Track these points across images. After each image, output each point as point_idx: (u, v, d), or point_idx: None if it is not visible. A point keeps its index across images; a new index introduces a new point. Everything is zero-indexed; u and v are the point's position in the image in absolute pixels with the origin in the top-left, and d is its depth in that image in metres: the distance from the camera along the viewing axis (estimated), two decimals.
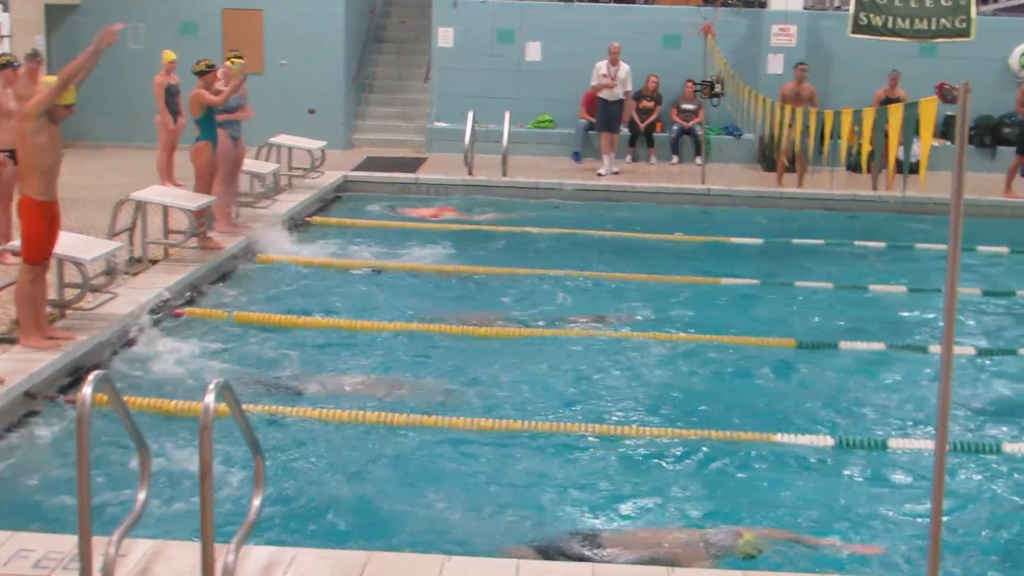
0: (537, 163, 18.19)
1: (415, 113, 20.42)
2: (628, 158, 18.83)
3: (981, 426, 8.23)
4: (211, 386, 4.85)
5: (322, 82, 19.43)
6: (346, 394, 8.34)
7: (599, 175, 17.45)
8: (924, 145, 6.51)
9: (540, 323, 10.33)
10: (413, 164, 18.00)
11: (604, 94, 17.81)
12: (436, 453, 7.38)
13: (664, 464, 7.35)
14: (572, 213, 15.69)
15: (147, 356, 8.89)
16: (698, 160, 17.96)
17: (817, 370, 9.34)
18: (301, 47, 19.35)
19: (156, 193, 11.75)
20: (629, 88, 18.07)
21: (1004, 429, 8.17)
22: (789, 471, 7.28)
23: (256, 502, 5.35)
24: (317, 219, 14.65)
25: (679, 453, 7.49)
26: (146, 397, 7.88)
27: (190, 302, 10.39)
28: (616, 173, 17.62)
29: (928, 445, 7.33)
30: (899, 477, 7.27)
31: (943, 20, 16.69)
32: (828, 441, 7.67)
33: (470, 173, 16.80)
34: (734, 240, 14.16)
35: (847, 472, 7.32)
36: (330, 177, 16.33)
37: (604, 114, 17.88)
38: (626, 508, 6.72)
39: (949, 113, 17.79)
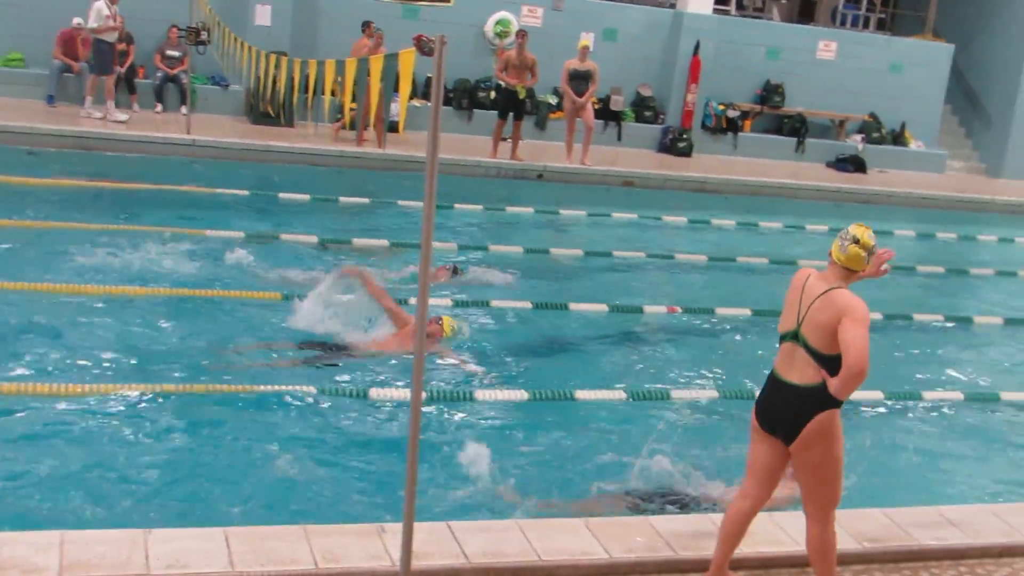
0: (5, 104, 16.76)
1: None
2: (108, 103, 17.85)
3: (458, 376, 8.67)
4: None
5: None
6: None
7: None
8: (403, 94, 6.69)
9: None
10: None
11: (105, 35, 16.68)
12: None
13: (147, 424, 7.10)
14: (43, 160, 14.64)
15: None
16: (183, 109, 17.39)
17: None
18: None
19: None
20: None
21: (485, 376, 8.68)
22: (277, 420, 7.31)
23: None
24: None
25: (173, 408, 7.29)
26: None
27: None
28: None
29: (406, 394, 7.63)
30: (340, 426, 7.52)
31: None
32: (312, 389, 7.79)
33: None
34: (220, 191, 13.89)
35: (331, 422, 7.47)
36: None
37: (110, 55, 16.80)
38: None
39: (429, 75, 18.49)
